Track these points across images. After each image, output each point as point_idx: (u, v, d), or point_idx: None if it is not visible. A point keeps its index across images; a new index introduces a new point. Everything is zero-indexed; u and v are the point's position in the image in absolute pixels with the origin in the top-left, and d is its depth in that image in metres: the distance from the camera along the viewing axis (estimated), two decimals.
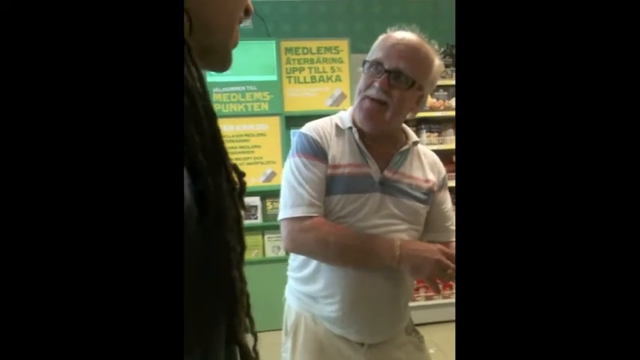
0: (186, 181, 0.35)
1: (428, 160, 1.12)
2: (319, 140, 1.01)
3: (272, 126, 2.85)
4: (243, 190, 0.47)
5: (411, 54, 0.97)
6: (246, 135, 2.84)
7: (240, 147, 2.83)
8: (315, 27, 3.16)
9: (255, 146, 2.84)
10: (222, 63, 0.49)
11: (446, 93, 2.82)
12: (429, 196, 1.07)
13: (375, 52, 1.00)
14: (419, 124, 2.89)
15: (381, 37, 1.02)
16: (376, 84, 0.96)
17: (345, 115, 1.07)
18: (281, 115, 2.84)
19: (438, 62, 1.01)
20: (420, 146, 1.13)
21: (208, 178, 0.37)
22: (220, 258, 0.39)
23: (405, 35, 0.99)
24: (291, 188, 1.00)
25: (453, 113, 2.81)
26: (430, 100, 2.82)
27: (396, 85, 0.96)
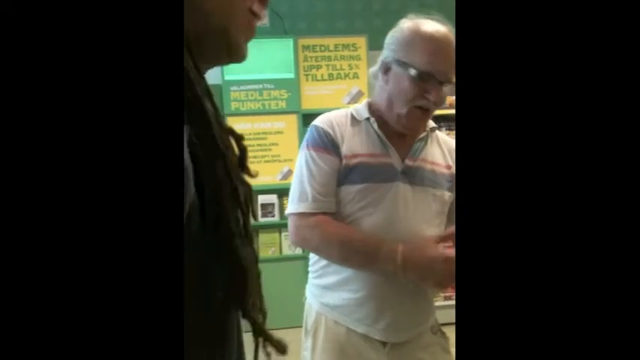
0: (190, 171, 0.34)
1: (447, 146, 1.09)
2: (330, 132, 1.00)
3: (289, 124, 2.85)
4: (244, 156, 0.45)
5: (453, 57, 0.94)
6: (263, 133, 2.85)
7: (258, 145, 2.84)
8: (332, 24, 3.15)
9: (273, 144, 2.85)
10: (229, 52, 0.44)
11: None
12: (454, 182, 1.04)
13: (417, 54, 0.94)
14: (438, 122, 2.84)
15: (415, 33, 0.96)
16: (430, 97, 0.94)
17: (360, 107, 1.06)
18: (298, 113, 2.84)
19: None
20: (438, 132, 1.11)
21: (206, 166, 0.36)
22: (222, 232, 0.37)
23: (443, 33, 0.95)
24: (299, 183, 1.00)
25: None
26: (450, 98, 2.78)
27: (445, 93, 0.96)
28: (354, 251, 0.96)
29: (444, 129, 2.81)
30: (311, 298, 1.08)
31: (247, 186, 0.43)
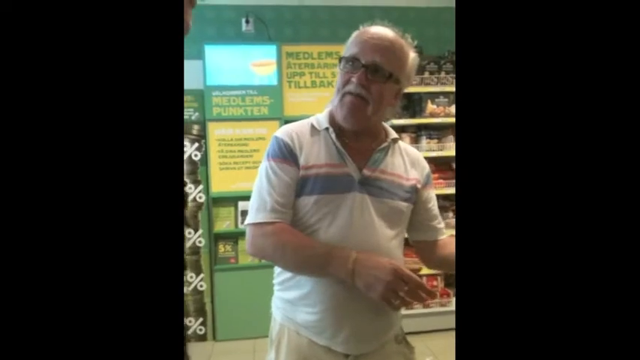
0: None
1: (410, 157, 1.09)
2: (290, 143, 1.00)
3: (271, 130, 2.83)
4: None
5: (386, 47, 0.96)
6: (245, 139, 2.83)
7: (239, 151, 2.81)
8: (316, 32, 3.16)
9: (254, 150, 2.83)
10: None
11: (446, 99, 2.82)
12: (412, 194, 1.05)
13: (350, 48, 0.99)
14: (419, 131, 2.88)
15: (355, 33, 1.01)
16: (354, 79, 0.96)
17: (321, 117, 1.06)
18: (280, 120, 2.83)
19: (413, 55, 1.01)
20: (401, 143, 1.11)
21: None
22: None
23: (379, 30, 0.99)
24: (257, 193, 1.00)
25: (452, 120, 2.80)
26: (430, 107, 2.82)
27: (373, 80, 0.96)
28: (307, 257, 0.95)
29: (424, 137, 2.84)
30: (275, 310, 1.08)
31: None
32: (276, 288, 1.08)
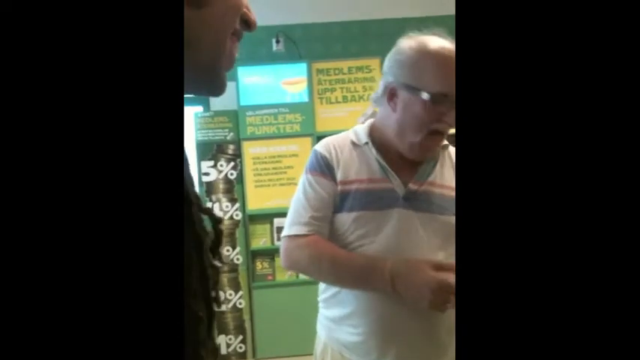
0: None
1: None
2: (327, 157, 0.97)
3: (303, 147, 2.86)
4: (218, 241, 0.39)
5: None
6: (278, 156, 2.86)
7: (273, 168, 2.85)
8: (347, 47, 3.18)
9: (288, 167, 2.85)
10: (214, 86, 0.41)
11: None
12: None
13: (426, 76, 0.88)
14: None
15: (423, 55, 0.89)
16: (447, 119, 0.88)
17: (360, 130, 1.01)
18: (312, 136, 2.85)
19: None
20: (451, 149, 1.02)
21: None
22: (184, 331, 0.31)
23: (452, 51, 0.88)
24: (294, 206, 0.99)
25: None
26: None
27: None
28: (343, 269, 0.91)
29: None
30: (319, 328, 1.04)
31: (216, 272, 0.38)
32: (320, 305, 1.04)
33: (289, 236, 0.97)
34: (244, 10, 0.41)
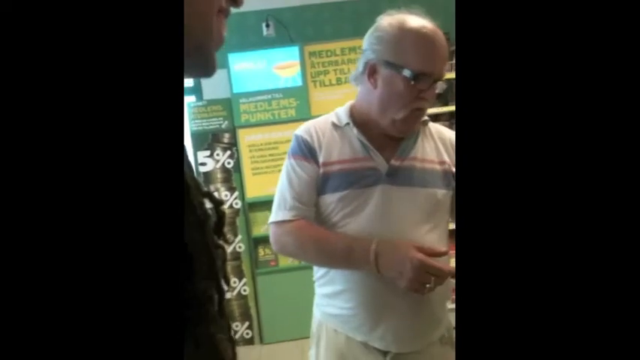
0: None
1: (443, 139, 1.02)
2: (308, 139, 0.98)
3: None
4: (221, 223, 0.40)
5: (444, 53, 0.90)
6: (274, 143, 2.85)
7: (270, 155, 2.84)
8: (339, 29, 3.14)
9: (285, 153, 2.83)
10: (204, 67, 0.41)
11: None
12: (450, 179, 0.97)
13: (408, 54, 0.88)
14: (452, 118, 2.81)
15: (405, 32, 0.90)
16: (426, 96, 0.90)
17: (341, 112, 1.02)
18: (308, 120, 2.83)
19: None
20: (432, 125, 1.04)
21: None
22: (194, 310, 0.33)
23: (434, 30, 0.90)
24: (279, 191, 1.01)
25: None
26: None
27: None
28: (328, 252, 0.94)
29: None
30: (314, 307, 1.07)
31: (223, 252, 0.39)
32: (315, 285, 1.07)
33: (276, 222, 0.99)
34: None
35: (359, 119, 0.99)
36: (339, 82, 2.89)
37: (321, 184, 0.97)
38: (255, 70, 2.84)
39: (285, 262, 2.86)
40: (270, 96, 2.84)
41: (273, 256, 2.90)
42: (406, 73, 0.89)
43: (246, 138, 2.83)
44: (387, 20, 0.93)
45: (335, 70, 2.89)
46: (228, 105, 2.83)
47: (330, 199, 0.96)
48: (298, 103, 2.85)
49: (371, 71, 0.94)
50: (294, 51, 2.86)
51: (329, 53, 2.89)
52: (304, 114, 2.84)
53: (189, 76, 0.42)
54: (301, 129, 1.02)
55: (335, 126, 1.00)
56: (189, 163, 0.38)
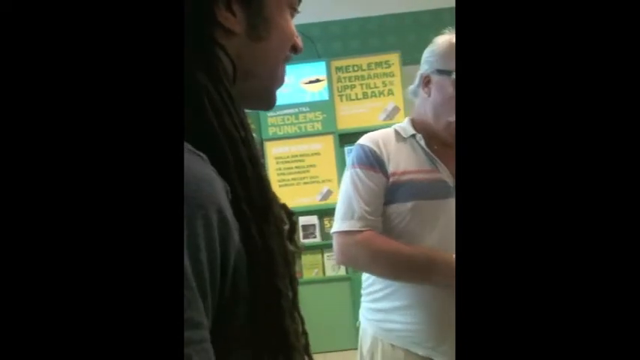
0: (236, 226, 0.36)
1: None
2: (376, 150, 0.98)
3: (326, 145, 2.87)
4: (293, 230, 0.47)
5: None
6: (301, 155, 2.87)
7: (296, 167, 2.86)
8: (366, 43, 3.17)
9: (311, 165, 2.86)
10: (267, 104, 0.50)
11: None
12: None
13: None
14: None
15: (454, 44, 0.95)
16: None
17: (405, 125, 1.03)
18: (334, 134, 2.85)
19: None
20: None
21: (252, 229, 0.38)
22: (271, 306, 0.38)
23: None
24: (344, 200, 0.99)
25: None
26: None
27: None
28: (405, 265, 0.92)
29: None
30: (365, 323, 1.04)
31: (294, 256, 0.45)
32: (366, 299, 1.04)
33: (343, 232, 0.97)
34: (295, 39, 0.48)
35: (421, 132, 1.00)
36: (365, 96, 2.91)
37: (390, 194, 0.96)
38: (283, 85, 2.88)
39: (310, 274, 2.86)
40: (297, 109, 2.88)
41: (297, 268, 2.90)
42: (454, 75, 0.93)
43: (274, 150, 2.87)
44: (441, 37, 0.99)
45: (361, 85, 2.91)
46: (256, 118, 2.88)
47: (400, 209, 0.95)
48: (325, 116, 2.87)
49: (425, 82, 0.99)
50: (321, 66, 2.90)
51: (355, 68, 2.91)
52: (331, 127, 2.86)
53: (253, 109, 0.50)
54: (365, 139, 1.02)
55: (399, 137, 1.01)
56: (267, 178, 0.44)
